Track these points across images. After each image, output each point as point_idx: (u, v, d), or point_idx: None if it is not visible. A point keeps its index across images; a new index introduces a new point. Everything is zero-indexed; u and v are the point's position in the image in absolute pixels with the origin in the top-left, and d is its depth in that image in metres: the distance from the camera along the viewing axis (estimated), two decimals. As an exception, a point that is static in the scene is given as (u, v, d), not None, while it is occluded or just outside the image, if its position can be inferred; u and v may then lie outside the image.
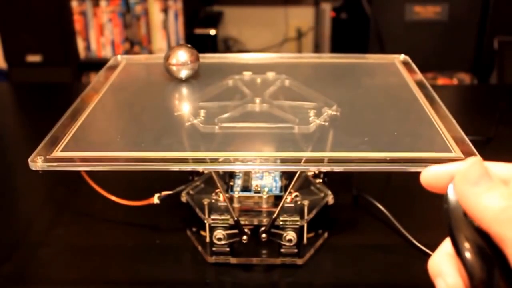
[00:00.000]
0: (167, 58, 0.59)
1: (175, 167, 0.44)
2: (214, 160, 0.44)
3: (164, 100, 0.58)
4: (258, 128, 0.50)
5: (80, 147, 0.47)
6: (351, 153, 0.44)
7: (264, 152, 0.46)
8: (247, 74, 0.62)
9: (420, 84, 0.59)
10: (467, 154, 0.44)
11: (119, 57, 0.68)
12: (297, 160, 0.44)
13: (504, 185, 0.26)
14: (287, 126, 0.50)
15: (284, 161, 0.44)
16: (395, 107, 0.57)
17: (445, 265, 0.29)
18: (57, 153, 0.45)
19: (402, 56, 0.67)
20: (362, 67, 0.69)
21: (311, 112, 0.52)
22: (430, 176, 0.30)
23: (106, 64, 0.66)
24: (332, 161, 0.44)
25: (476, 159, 0.27)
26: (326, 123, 0.50)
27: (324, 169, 0.49)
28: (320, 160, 0.44)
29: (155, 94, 0.61)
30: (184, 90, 0.59)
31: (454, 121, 0.50)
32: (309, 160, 0.44)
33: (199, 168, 0.48)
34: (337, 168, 0.43)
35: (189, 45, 0.60)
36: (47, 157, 0.44)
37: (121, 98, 0.60)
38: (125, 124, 0.54)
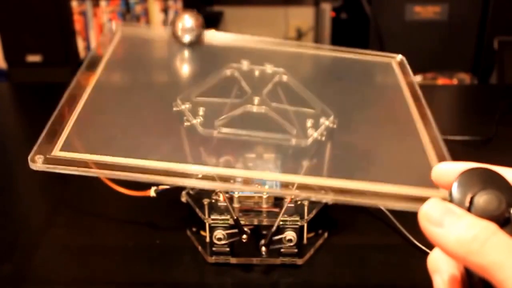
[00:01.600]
0: (173, 23, 0.61)
1: (169, 181, 0.43)
2: (209, 178, 0.44)
3: (162, 89, 0.57)
4: (256, 137, 0.50)
5: (80, 145, 0.46)
6: (344, 181, 0.44)
7: (258, 171, 0.46)
8: (245, 64, 0.61)
9: (414, 93, 0.58)
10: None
11: (113, 26, 0.65)
12: (288, 184, 0.43)
13: (468, 213, 0.25)
14: (284, 137, 0.50)
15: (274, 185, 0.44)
16: (389, 124, 0.56)
17: (443, 262, 0.29)
18: (57, 152, 0.45)
19: (399, 57, 0.66)
20: (360, 68, 0.68)
21: (308, 122, 0.52)
22: (440, 172, 0.30)
23: (100, 38, 0.63)
24: (326, 190, 0.43)
25: (435, 199, 0.27)
26: (323, 138, 0.50)
27: (314, 198, 0.48)
28: (312, 188, 0.43)
29: (152, 81, 0.60)
30: (182, 78, 0.59)
31: (443, 146, 0.49)
32: (300, 186, 0.43)
33: (196, 185, 0.46)
34: (328, 199, 0.44)
35: (194, 11, 0.62)
36: (47, 156, 0.44)
37: (118, 83, 0.58)
38: (123, 120, 0.53)
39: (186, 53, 0.63)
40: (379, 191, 0.42)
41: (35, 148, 0.44)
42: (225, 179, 0.43)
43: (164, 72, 0.62)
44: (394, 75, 0.63)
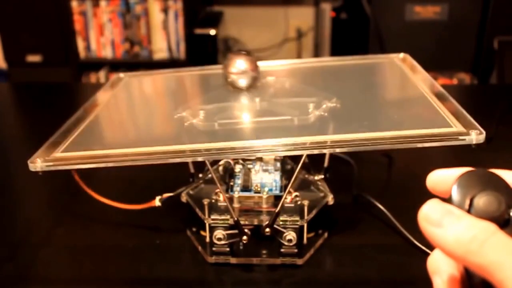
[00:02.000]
0: (226, 66, 0.56)
1: (174, 159, 0.44)
2: (213, 149, 0.44)
3: (165, 107, 0.59)
4: (257, 123, 0.50)
5: (80, 149, 0.47)
6: (353, 134, 0.44)
7: (266, 139, 0.46)
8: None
9: (419, 75, 0.59)
10: (469, 127, 0.44)
11: (121, 74, 0.68)
12: (300, 144, 0.44)
13: (467, 214, 0.26)
14: (286, 118, 0.50)
15: (286, 145, 0.44)
16: (394, 94, 0.57)
17: (443, 263, 0.29)
18: (57, 154, 0.45)
19: (402, 55, 0.67)
20: (362, 66, 0.69)
21: (310, 106, 0.52)
22: (435, 179, 0.30)
23: (108, 82, 0.66)
24: (334, 142, 0.43)
25: (434, 200, 0.27)
26: (326, 114, 0.50)
27: (326, 150, 0.48)
28: (322, 143, 0.44)
29: (155, 103, 0.61)
30: (184, 97, 0.60)
31: (453, 100, 0.50)
32: (312, 143, 0.44)
33: (198, 158, 0.47)
34: (340, 149, 0.43)
35: (246, 52, 0.58)
36: (46, 158, 0.44)
37: (122, 108, 0.61)
38: (125, 129, 0.54)
39: (191, 81, 0.64)
40: (391, 135, 0.43)
41: (36, 154, 0.45)
42: (231, 148, 0.44)
43: (166, 96, 0.63)
44: (398, 68, 0.63)
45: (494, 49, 1.94)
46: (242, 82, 0.56)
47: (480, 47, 2.00)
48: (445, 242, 0.25)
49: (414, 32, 1.98)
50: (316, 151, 0.49)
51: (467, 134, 0.43)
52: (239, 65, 0.56)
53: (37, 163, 0.44)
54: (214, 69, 0.69)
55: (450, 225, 0.25)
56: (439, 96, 0.52)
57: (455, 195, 0.26)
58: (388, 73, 0.64)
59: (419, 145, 0.43)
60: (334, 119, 0.49)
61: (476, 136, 0.43)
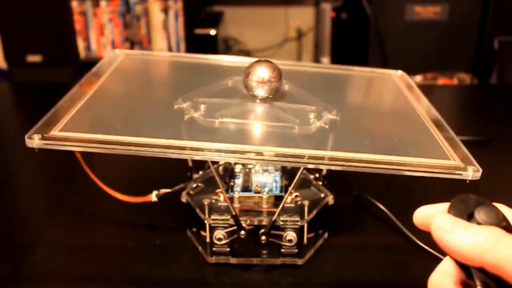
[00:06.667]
0: (247, 74, 0.53)
1: (174, 154, 0.43)
2: (212, 150, 0.44)
3: (164, 93, 0.58)
4: (258, 126, 0.50)
5: (79, 129, 0.46)
6: (352, 153, 0.44)
7: (266, 146, 0.46)
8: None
9: (416, 95, 0.59)
10: (466, 162, 0.45)
11: (117, 51, 0.68)
12: (298, 156, 0.44)
13: (472, 224, 0.28)
14: (287, 125, 0.50)
15: (285, 156, 0.44)
16: (393, 115, 0.57)
17: (446, 283, 0.31)
18: (55, 132, 0.45)
19: (400, 72, 0.68)
20: (360, 78, 0.69)
21: (311, 115, 0.52)
22: (422, 215, 0.32)
23: (104, 57, 0.65)
24: (333, 159, 0.44)
25: (441, 213, 0.29)
26: (327, 126, 0.50)
27: (324, 166, 0.49)
28: (320, 158, 0.44)
29: (154, 87, 0.61)
30: (184, 86, 0.59)
31: (451, 131, 0.50)
32: (310, 157, 0.44)
33: (197, 157, 0.46)
34: (336, 167, 0.43)
35: (269, 60, 0.54)
36: (45, 135, 0.44)
37: (120, 88, 0.60)
38: (124, 113, 0.53)
39: (190, 68, 0.64)
40: (391, 160, 0.43)
41: (33, 129, 0.44)
42: (237, 151, 0.44)
43: (165, 84, 0.63)
44: (396, 85, 0.64)
45: (494, 49, 1.94)
46: (261, 92, 0.53)
47: (480, 47, 2.00)
48: (462, 245, 0.27)
49: (414, 32, 1.98)
50: (313, 166, 0.50)
51: (465, 169, 0.43)
52: (260, 73, 0.52)
53: (34, 140, 0.43)
54: (216, 60, 0.69)
55: (462, 231, 0.27)
56: (437, 123, 0.52)
57: (454, 216, 0.29)
58: (387, 92, 0.65)
59: (418, 174, 0.43)
60: (334, 133, 0.50)
61: (473, 172, 0.43)
